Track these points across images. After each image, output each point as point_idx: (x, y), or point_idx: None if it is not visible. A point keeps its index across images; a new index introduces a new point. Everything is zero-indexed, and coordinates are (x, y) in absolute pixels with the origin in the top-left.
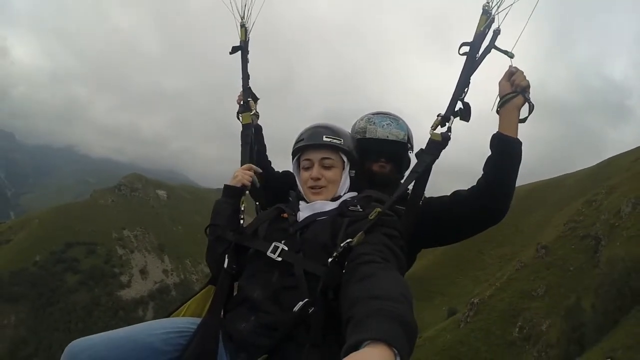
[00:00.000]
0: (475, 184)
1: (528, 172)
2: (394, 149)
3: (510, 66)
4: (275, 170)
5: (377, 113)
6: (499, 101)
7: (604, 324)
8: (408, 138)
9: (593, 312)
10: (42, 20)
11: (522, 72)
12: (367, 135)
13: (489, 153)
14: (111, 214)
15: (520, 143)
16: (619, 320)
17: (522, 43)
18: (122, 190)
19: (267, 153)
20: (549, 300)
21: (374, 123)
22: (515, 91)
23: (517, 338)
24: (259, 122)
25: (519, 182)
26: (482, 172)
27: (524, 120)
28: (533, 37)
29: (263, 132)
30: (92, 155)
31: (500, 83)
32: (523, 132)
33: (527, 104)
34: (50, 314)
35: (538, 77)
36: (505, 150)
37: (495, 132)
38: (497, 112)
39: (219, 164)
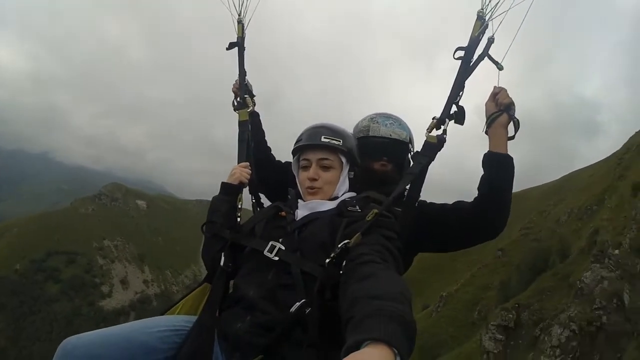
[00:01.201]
0: (472, 200)
1: None
2: (396, 149)
3: (495, 87)
4: (277, 159)
5: (380, 113)
6: (486, 121)
7: (522, 290)
8: (410, 139)
9: (517, 284)
10: (27, 23)
11: (505, 91)
12: (370, 134)
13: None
14: (91, 223)
15: (511, 158)
16: (529, 286)
17: (500, 56)
18: (102, 200)
19: (266, 138)
20: (501, 289)
21: (377, 122)
22: (499, 110)
23: (476, 319)
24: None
25: None
26: (477, 192)
27: (512, 138)
28: (510, 56)
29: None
30: (69, 162)
31: (486, 104)
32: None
33: (512, 121)
34: (31, 323)
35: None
36: (496, 167)
37: (486, 151)
38: (486, 133)
39: (196, 176)
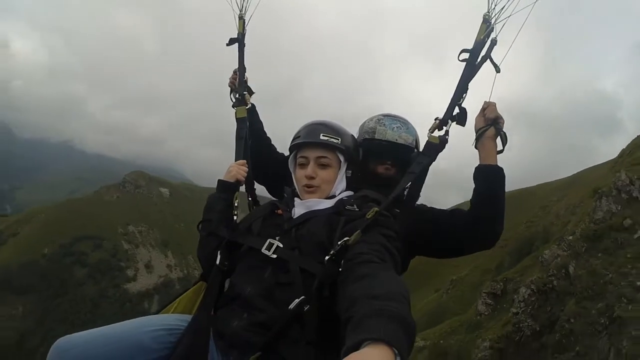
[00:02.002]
0: (467, 211)
1: (519, 181)
2: (401, 153)
3: (484, 102)
4: (280, 152)
5: (388, 115)
6: (475, 135)
7: (510, 268)
8: (416, 143)
9: (507, 265)
10: (43, 15)
11: (494, 105)
12: (376, 137)
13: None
14: (116, 210)
15: (502, 169)
16: (515, 265)
17: (516, 58)
18: (126, 187)
19: (265, 129)
20: (496, 269)
21: (384, 125)
22: (487, 124)
23: (479, 296)
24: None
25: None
26: (470, 204)
27: (500, 152)
28: (526, 53)
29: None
30: (88, 151)
31: (475, 119)
32: (515, 144)
33: (500, 135)
34: (58, 305)
35: (529, 91)
36: (487, 179)
37: (476, 165)
38: (476, 147)
39: (215, 164)
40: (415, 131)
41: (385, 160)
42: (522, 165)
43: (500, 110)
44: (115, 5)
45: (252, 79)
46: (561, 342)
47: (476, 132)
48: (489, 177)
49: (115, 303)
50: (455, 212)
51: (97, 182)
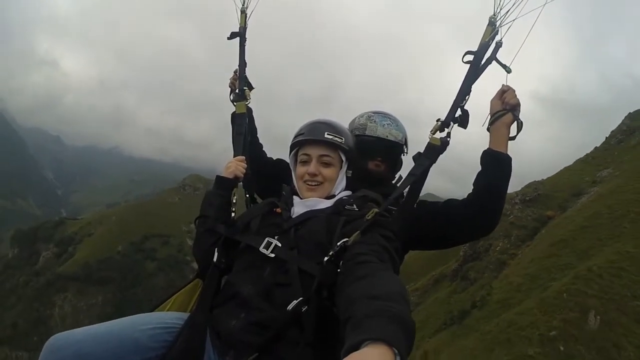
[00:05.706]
0: (466, 196)
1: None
2: (391, 150)
3: (503, 85)
4: (269, 156)
5: (378, 112)
6: (490, 119)
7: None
8: (405, 141)
9: None
10: (91, 30)
11: (513, 91)
12: (367, 133)
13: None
14: (179, 210)
15: (510, 158)
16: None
17: (547, 47)
18: (186, 190)
19: (257, 136)
20: None
21: (375, 121)
22: (505, 109)
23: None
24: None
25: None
26: (473, 187)
27: (513, 138)
28: (560, 42)
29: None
30: (137, 155)
31: (491, 101)
32: (554, 134)
33: (516, 122)
34: (133, 295)
35: (567, 80)
36: (495, 166)
37: (486, 148)
38: (488, 129)
39: None
40: (404, 129)
41: (375, 157)
42: (577, 155)
43: (520, 97)
44: (162, 17)
45: (291, 82)
46: (477, 254)
47: (491, 116)
48: (499, 163)
49: None
50: (450, 202)
51: (148, 184)
